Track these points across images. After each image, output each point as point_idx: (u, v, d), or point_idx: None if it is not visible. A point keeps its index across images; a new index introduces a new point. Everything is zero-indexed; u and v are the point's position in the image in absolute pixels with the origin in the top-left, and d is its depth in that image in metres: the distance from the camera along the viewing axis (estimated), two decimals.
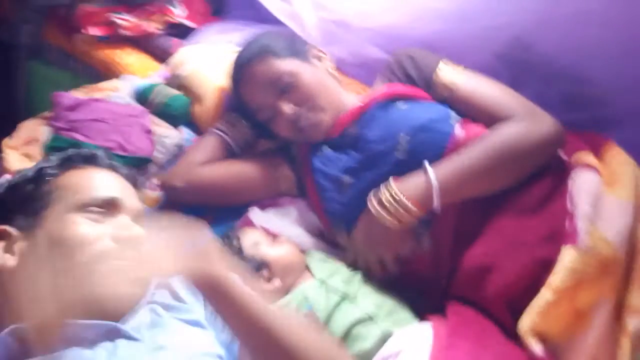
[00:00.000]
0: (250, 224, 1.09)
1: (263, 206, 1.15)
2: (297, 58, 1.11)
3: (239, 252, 0.95)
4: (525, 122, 0.98)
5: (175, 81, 1.34)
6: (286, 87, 1.07)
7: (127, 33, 1.60)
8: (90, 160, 0.80)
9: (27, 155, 1.10)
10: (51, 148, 1.12)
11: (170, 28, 1.70)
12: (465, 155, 0.96)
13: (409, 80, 1.13)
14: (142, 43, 1.67)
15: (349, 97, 1.17)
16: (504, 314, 0.91)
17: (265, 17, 1.55)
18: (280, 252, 0.98)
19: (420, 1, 1.32)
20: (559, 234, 0.88)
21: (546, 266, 0.86)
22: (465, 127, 1.03)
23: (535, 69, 1.26)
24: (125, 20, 1.59)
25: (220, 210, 1.14)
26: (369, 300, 0.92)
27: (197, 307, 0.75)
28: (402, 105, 1.07)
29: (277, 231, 1.08)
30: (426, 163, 0.96)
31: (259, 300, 0.64)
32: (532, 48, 1.25)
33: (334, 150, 1.11)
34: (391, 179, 0.97)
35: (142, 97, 1.30)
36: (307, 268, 0.99)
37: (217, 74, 1.27)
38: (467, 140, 1.00)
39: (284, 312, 0.72)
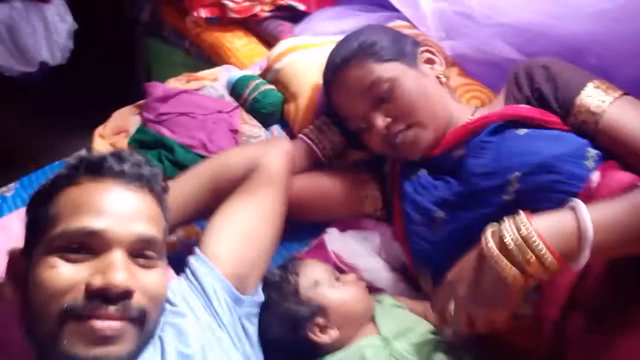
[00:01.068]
0: (323, 247, 0.98)
1: (344, 226, 1.04)
2: (400, 62, 0.94)
3: (294, 292, 0.83)
4: None
5: (270, 74, 1.25)
6: (383, 97, 0.92)
7: (236, 15, 1.54)
8: (97, 169, 0.66)
9: (114, 146, 1.09)
10: (135, 140, 1.09)
11: (282, 10, 1.61)
12: (617, 205, 0.69)
13: (541, 99, 0.91)
14: (253, 26, 1.61)
15: (461, 110, 0.98)
16: None
17: (385, 3, 1.40)
18: (343, 296, 0.84)
19: None
20: None
21: None
22: (605, 172, 0.79)
23: None
24: (237, 4, 1.53)
25: (296, 225, 1.03)
26: None
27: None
28: (521, 132, 0.86)
29: (351, 261, 0.96)
30: (577, 201, 0.68)
31: None
32: None
33: (431, 175, 0.95)
34: (522, 212, 0.68)
35: (236, 90, 1.23)
36: (374, 318, 0.85)
37: (314, 70, 1.15)
38: (605, 191, 0.76)
39: None
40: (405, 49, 0.97)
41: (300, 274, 0.84)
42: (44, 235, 0.63)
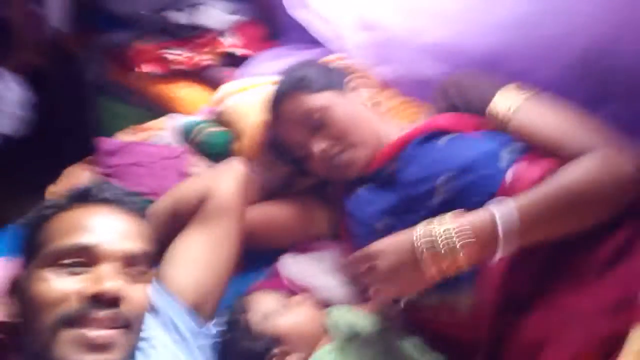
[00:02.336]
0: (278, 274, 1.02)
1: (298, 250, 1.08)
2: (330, 91, 1.01)
3: (247, 331, 0.84)
4: (599, 158, 0.79)
5: (217, 117, 1.31)
6: (317, 124, 0.99)
7: (181, 67, 1.61)
8: (84, 197, 0.74)
9: None
10: None
11: (225, 58, 1.68)
12: (526, 198, 0.77)
13: (455, 111, 0.98)
14: (197, 76, 1.67)
15: (391, 128, 1.05)
16: None
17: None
18: (295, 320, 0.87)
19: (476, 13, 1.16)
20: (629, 305, 0.71)
21: (612, 344, 0.69)
22: (522, 169, 0.86)
23: (617, 82, 1.04)
24: (178, 55, 1.60)
25: (252, 255, 1.07)
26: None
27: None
28: (444, 141, 0.93)
29: (305, 283, 0.99)
30: (496, 199, 0.78)
31: None
32: (613, 57, 1.04)
33: (369, 191, 1.01)
34: (451, 215, 0.78)
35: (185, 135, 1.28)
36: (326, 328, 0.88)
37: (256, 109, 1.21)
38: (521, 185, 0.82)
39: None
40: (333, 79, 1.04)
41: (249, 310, 0.87)
42: (37, 255, 0.68)
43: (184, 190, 0.97)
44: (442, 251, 0.75)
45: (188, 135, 1.27)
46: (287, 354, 0.84)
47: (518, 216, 0.74)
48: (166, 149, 1.23)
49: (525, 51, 1.15)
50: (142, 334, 0.73)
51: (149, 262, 0.75)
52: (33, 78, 1.64)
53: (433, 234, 0.76)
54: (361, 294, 0.99)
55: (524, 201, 0.76)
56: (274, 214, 1.09)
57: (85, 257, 0.67)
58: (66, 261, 0.67)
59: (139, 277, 0.72)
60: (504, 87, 0.94)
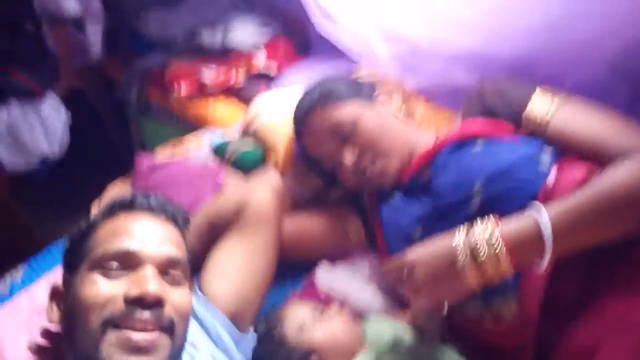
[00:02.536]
0: (314, 285, 1.03)
1: (334, 259, 1.09)
2: (359, 101, 1.03)
3: (282, 343, 0.85)
4: (635, 163, 0.77)
5: (250, 133, 1.34)
6: (347, 135, 1.00)
7: (213, 87, 1.66)
8: (129, 205, 0.79)
9: None
10: None
11: (257, 75, 1.73)
12: (569, 203, 0.75)
13: (492, 116, 0.98)
14: (232, 93, 1.72)
15: (423, 137, 1.05)
16: None
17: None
18: (330, 330, 0.86)
19: (503, 19, 1.15)
20: None
21: None
22: (562, 172, 0.85)
23: None
24: (212, 74, 1.65)
25: (288, 265, 1.08)
26: None
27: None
28: (479, 147, 0.93)
29: (341, 293, 1.00)
30: (536, 204, 0.76)
31: None
32: None
33: (404, 200, 1.01)
34: (493, 220, 0.76)
35: (219, 152, 1.32)
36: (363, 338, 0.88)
37: (288, 123, 1.24)
38: (561, 190, 0.81)
39: None
40: (361, 90, 1.05)
41: (284, 322, 0.87)
42: (85, 259, 0.73)
43: (221, 202, 0.99)
44: (485, 258, 0.73)
45: (221, 153, 1.31)
46: None
47: (561, 220, 0.73)
48: (202, 166, 1.27)
49: (556, 56, 1.14)
50: (186, 339, 0.76)
51: (187, 271, 0.77)
52: (76, 102, 1.73)
53: (475, 240, 0.74)
54: (398, 304, 0.99)
55: (566, 205, 0.74)
56: (308, 225, 1.10)
57: (129, 261, 0.71)
58: (111, 265, 0.71)
59: (180, 281, 0.75)
60: (538, 91, 0.94)
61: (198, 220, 0.98)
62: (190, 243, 0.89)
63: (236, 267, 0.90)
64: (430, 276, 0.76)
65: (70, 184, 1.66)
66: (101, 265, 0.71)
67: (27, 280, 1.11)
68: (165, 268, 0.73)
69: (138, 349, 0.66)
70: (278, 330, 0.86)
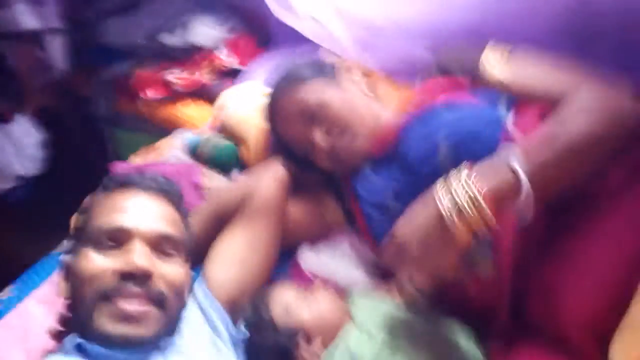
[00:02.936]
0: (299, 268, 1.06)
1: (314, 242, 1.11)
2: (324, 83, 1.05)
3: (271, 324, 0.86)
4: (590, 99, 0.78)
5: (221, 128, 1.36)
6: (315, 116, 1.02)
7: (182, 89, 1.67)
8: (124, 183, 0.82)
9: None
10: None
11: (223, 72, 1.74)
12: (533, 141, 0.75)
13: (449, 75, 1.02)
14: (200, 93, 1.73)
15: (388, 112, 1.08)
16: (587, 342, 0.75)
17: (310, 41, 1.52)
18: (316, 308, 0.88)
19: None
20: None
21: (625, 290, 0.71)
22: (519, 120, 0.89)
23: (608, 36, 1.04)
24: (178, 76, 1.66)
25: None
26: (416, 347, 0.81)
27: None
28: (441, 112, 0.96)
29: (326, 272, 1.03)
30: (507, 146, 0.74)
31: None
32: (602, 9, 1.04)
33: (377, 173, 1.03)
34: (465, 170, 0.73)
35: (193, 151, 1.33)
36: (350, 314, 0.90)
37: (255, 114, 1.26)
38: (522, 128, 0.85)
39: None
40: (324, 70, 1.07)
41: (269, 305, 0.88)
42: (82, 235, 0.77)
43: (227, 192, 1.02)
44: (469, 209, 0.69)
45: (194, 151, 1.33)
46: (310, 342, 0.85)
47: (531, 161, 0.71)
48: (178, 166, 1.28)
49: (507, 17, 1.17)
50: (181, 316, 0.79)
51: (183, 249, 0.80)
52: (45, 118, 1.72)
53: (455, 193, 0.70)
54: (380, 279, 1.02)
55: (536, 155, 0.73)
56: (287, 211, 1.13)
57: (120, 237, 0.74)
58: (104, 240, 0.74)
59: (172, 258, 0.78)
60: (488, 47, 0.97)
61: (204, 209, 1.01)
62: (197, 232, 0.93)
63: (237, 255, 0.93)
64: (425, 249, 0.72)
65: (50, 201, 1.66)
66: (95, 241, 0.74)
67: (16, 299, 1.12)
68: (156, 244, 0.76)
69: (128, 319, 0.70)
70: (264, 313, 0.87)
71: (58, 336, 0.80)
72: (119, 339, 0.70)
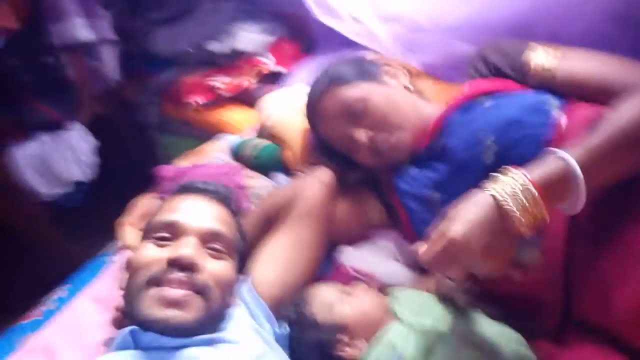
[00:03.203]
0: (341, 266, 1.05)
1: (357, 241, 1.10)
2: (365, 81, 1.05)
3: (313, 321, 0.86)
4: None
5: (264, 131, 1.37)
6: (357, 114, 1.02)
7: (226, 94, 1.70)
8: (186, 187, 0.93)
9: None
10: None
11: (266, 78, 1.77)
12: (587, 140, 0.72)
13: (498, 73, 0.99)
14: (244, 98, 1.76)
15: (431, 107, 1.06)
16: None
17: (350, 41, 1.53)
18: (358, 306, 0.87)
19: None
20: None
21: None
22: (570, 113, 0.86)
23: None
24: (223, 82, 1.70)
25: None
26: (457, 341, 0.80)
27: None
28: (488, 103, 0.94)
29: (367, 268, 1.02)
30: (556, 150, 0.71)
31: None
32: None
33: (420, 167, 1.02)
34: (513, 169, 0.71)
35: (236, 153, 1.36)
36: (392, 310, 0.89)
37: (299, 117, 1.27)
38: (574, 129, 0.81)
39: None
40: (367, 71, 1.07)
41: (312, 304, 0.88)
42: (146, 231, 0.87)
43: (275, 196, 1.06)
44: (527, 202, 0.67)
45: (237, 153, 1.35)
46: (352, 341, 0.84)
47: (585, 159, 0.69)
48: (222, 167, 1.30)
49: (555, 11, 1.14)
50: (226, 310, 0.82)
51: (233, 248, 0.86)
52: (97, 125, 1.80)
53: (511, 188, 0.68)
54: (421, 275, 1.01)
55: (585, 144, 0.71)
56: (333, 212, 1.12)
57: (174, 231, 0.82)
58: (157, 234, 0.82)
59: (221, 255, 0.83)
60: (539, 45, 0.95)
61: (256, 211, 1.06)
62: (248, 232, 0.97)
63: (282, 255, 0.95)
64: (488, 241, 0.67)
65: (100, 205, 1.73)
66: (153, 235, 0.83)
67: (71, 296, 1.17)
68: (206, 240, 0.82)
69: (170, 303, 0.74)
70: (307, 312, 0.87)
71: (117, 324, 0.84)
72: (161, 322, 0.74)
